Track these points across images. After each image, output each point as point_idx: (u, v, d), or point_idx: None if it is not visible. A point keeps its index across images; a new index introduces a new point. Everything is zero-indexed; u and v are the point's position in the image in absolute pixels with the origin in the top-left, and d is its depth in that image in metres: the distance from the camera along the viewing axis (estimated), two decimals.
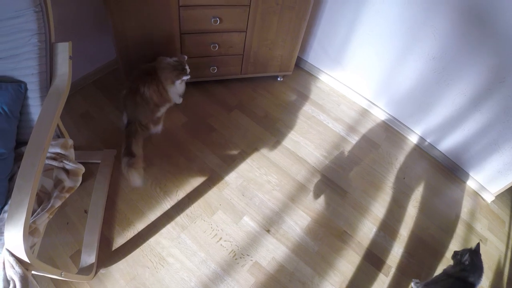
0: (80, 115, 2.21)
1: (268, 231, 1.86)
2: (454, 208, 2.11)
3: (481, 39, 1.75)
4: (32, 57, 1.28)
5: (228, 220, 1.87)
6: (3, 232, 1.00)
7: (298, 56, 2.62)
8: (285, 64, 2.48)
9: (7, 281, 1.00)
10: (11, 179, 1.27)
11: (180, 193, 1.94)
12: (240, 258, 1.75)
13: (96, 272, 1.61)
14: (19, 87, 1.28)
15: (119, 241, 1.73)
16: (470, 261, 1.50)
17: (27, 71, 1.30)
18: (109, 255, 1.68)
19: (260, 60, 2.38)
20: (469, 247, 1.58)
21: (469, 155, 2.16)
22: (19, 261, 1.01)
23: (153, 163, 2.04)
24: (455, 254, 1.60)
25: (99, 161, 1.96)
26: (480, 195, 2.21)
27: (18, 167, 1.06)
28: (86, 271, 1.56)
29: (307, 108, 2.49)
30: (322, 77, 2.72)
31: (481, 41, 1.76)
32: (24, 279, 1.00)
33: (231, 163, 2.11)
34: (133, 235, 1.76)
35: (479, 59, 1.82)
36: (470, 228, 2.03)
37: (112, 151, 2.03)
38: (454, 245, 1.93)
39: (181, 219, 1.85)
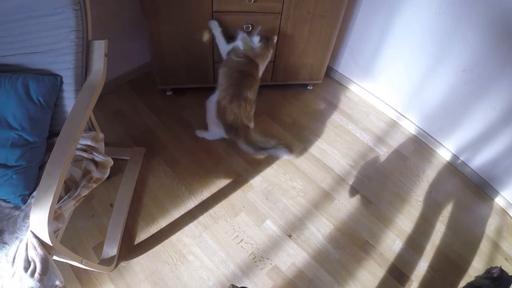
0: (113, 113, 2.30)
1: (289, 236, 1.85)
2: (480, 225, 2.04)
3: None
4: (69, 53, 1.34)
5: (251, 223, 1.88)
6: (29, 216, 1.04)
7: (328, 65, 2.61)
8: (315, 72, 2.48)
9: (28, 262, 1.05)
10: (41, 167, 1.33)
11: (205, 193, 1.97)
12: (260, 261, 1.75)
13: (116, 265, 1.66)
14: (55, 80, 1.34)
15: (142, 236, 1.78)
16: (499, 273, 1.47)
17: (64, 65, 1.36)
18: (131, 248, 1.73)
19: (290, 68, 2.39)
20: (493, 265, 1.53)
21: (499, 171, 2.09)
22: (42, 243, 1.05)
23: (181, 164, 2.09)
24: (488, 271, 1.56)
25: (128, 158, 2.02)
26: (508, 213, 2.13)
27: (49, 157, 1.10)
28: (107, 262, 1.61)
29: (336, 117, 2.49)
30: (352, 87, 2.71)
31: (511, 53, 1.72)
32: (45, 261, 1.05)
33: (256, 167, 2.13)
34: (156, 231, 1.80)
35: (509, 72, 1.77)
36: (496, 246, 1.96)
37: (142, 149, 2.09)
38: (479, 263, 1.86)
39: (204, 218, 1.87)
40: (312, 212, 1.96)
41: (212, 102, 1.98)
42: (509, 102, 1.84)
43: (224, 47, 2.03)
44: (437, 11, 1.89)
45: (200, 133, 2.23)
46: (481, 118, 2.01)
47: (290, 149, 1.95)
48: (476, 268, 1.84)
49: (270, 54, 2.06)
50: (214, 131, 2.08)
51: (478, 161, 2.18)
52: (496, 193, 2.14)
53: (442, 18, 1.90)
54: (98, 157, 1.40)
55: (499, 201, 2.15)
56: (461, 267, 1.85)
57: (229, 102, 1.88)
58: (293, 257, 1.78)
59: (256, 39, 1.97)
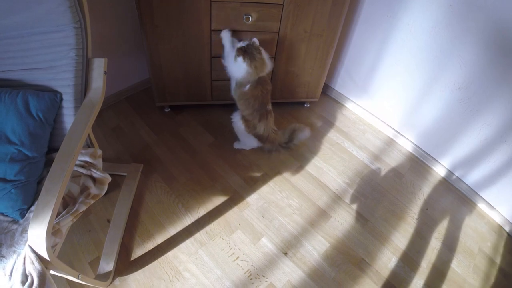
0: (111, 129, 2.32)
1: (285, 254, 1.86)
2: (476, 242, 2.05)
3: (508, 68, 1.74)
4: (69, 70, 1.36)
5: (247, 240, 1.88)
6: (27, 230, 1.05)
7: (325, 84, 2.65)
8: (312, 91, 2.51)
9: (25, 276, 1.05)
10: (40, 182, 1.34)
11: (201, 210, 1.98)
12: (256, 278, 1.75)
13: (113, 280, 1.65)
14: (55, 96, 1.36)
15: (138, 252, 1.78)
16: None
17: (64, 82, 1.37)
18: (127, 264, 1.73)
19: (287, 86, 2.42)
20: (490, 282, 1.53)
21: (495, 188, 2.10)
22: (39, 258, 1.05)
23: (178, 180, 2.10)
24: None
25: (125, 174, 2.03)
26: (504, 229, 2.14)
27: (47, 172, 1.11)
28: (103, 277, 1.60)
29: (332, 135, 2.51)
30: (349, 105, 2.74)
31: (507, 71, 1.75)
32: (42, 276, 1.05)
33: (253, 184, 2.14)
34: (152, 247, 1.80)
35: (505, 89, 1.80)
36: (492, 262, 1.96)
37: (139, 165, 2.10)
38: (475, 280, 1.87)
39: (200, 235, 1.87)
40: (308, 230, 1.96)
41: (238, 121, 2.12)
42: (505, 119, 1.87)
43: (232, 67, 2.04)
44: (433, 30, 1.93)
45: (237, 145, 2.33)
46: (477, 135, 2.04)
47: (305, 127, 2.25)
48: (473, 285, 1.84)
49: (264, 59, 1.96)
50: (249, 143, 2.25)
51: (474, 178, 2.20)
52: (493, 209, 2.16)
53: (438, 37, 1.93)
54: (96, 174, 1.41)
55: (495, 217, 2.17)
56: (458, 284, 1.84)
57: (258, 120, 2.06)
58: (289, 275, 1.78)
59: (240, 61, 1.91)
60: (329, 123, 2.60)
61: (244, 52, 1.88)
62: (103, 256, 1.69)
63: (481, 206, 2.22)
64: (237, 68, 1.94)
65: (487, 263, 1.96)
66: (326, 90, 2.82)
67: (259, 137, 2.13)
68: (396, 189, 2.23)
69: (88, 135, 1.48)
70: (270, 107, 2.09)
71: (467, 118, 2.04)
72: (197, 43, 2.01)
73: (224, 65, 2.08)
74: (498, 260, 1.98)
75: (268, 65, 2.00)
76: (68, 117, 1.41)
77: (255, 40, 1.94)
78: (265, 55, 1.97)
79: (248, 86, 1.98)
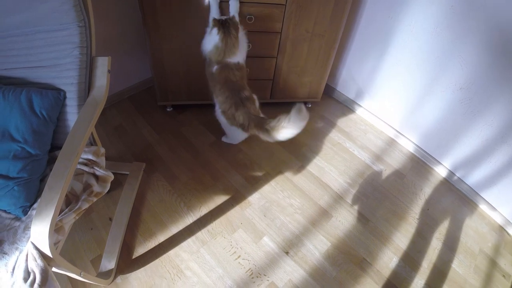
0: (114, 128, 2.33)
1: (287, 253, 1.86)
2: (477, 242, 2.05)
3: (509, 69, 1.74)
4: (73, 68, 1.37)
5: (248, 239, 1.89)
6: (29, 227, 1.06)
7: (327, 84, 2.65)
8: (314, 91, 2.52)
9: (28, 273, 1.06)
10: (42, 180, 1.34)
11: (203, 209, 1.98)
12: (257, 277, 1.75)
13: (114, 278, 1.66)
14: (59, 94, 1.36)
15: (140, 250, 1.78)
16: None
17: (67, 81, 1.38)
18: (128, 262, 1.73)
19: (289, 86, 2.43)
20: (491, 282, 1.53)
21: (496, 189, 2.11)
22: (42, 255, 1.06)
23: (180, 179, 2.10)
24: None
25: (128, 173, 2.04)
26: (505, 230, 2.14)
27: (50, 169, 1.12)
28: (104, 275, 1.61)
29: (334, 135, 2.51)
30: (350, 105, 2.74)
31: (508, 71, 1.75)
32: (44, 273, 1.05)
33: (255, 184, 2.15)
34: (154, 245, 1.81)
35: (506, 90, 1.80)
36: (493, 263, 1.96)
37: (141, 164, 2.11)
38: (476, 280, 1.87)
39: (202, 234, 1.88)
40: (309, 229, 1.97)
41: (219, 114, 2.03)
42: (506, 120, 1.87)
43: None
44: (434, 31, 1.94)
45: (225, 139, 2.33)
46: (478, 135, 2.04)
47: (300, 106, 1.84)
48: (474, 285, 1.84)
49: (238, 40, 1.88)
50: (235, 135, 2.16)
51: (475, 178, 2.20)
52: (494, 210, 2.16)
53: (439, 38, 1.94)
54: (99, 172, 1.42)
55: (496, 218, 2.17)
56: (458, 285, 1.85)
57: (235, 110, 1.90)
58: (290, 274, 1.78)
59: (214, 32, 1.84)
60: (331, 123, 2.60)
61: (221, 24, 1.82)
62: (105, 254, 1.69)
63: (482, 206, 2.22)
64: (209, 39, 1.88)
65: (488, 264, 1.96)
66: (328, 90, 2.82)
67: (241, 127, 1.93)
68: (398, 189, 2.23)
69: (91, 133, 1.49)
70: (247, 93, 1.94)
71: (468, 119, 2.04)
72: (199, 44, 2.01)
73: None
74: (499, 260, 1.98)
75: (240, 51, 1.93)
76: (72, 115, 1.41)
77: (236, 15, 1.86)
78: (242, 36, 1.92)
79: (215, 67, 1.92)
